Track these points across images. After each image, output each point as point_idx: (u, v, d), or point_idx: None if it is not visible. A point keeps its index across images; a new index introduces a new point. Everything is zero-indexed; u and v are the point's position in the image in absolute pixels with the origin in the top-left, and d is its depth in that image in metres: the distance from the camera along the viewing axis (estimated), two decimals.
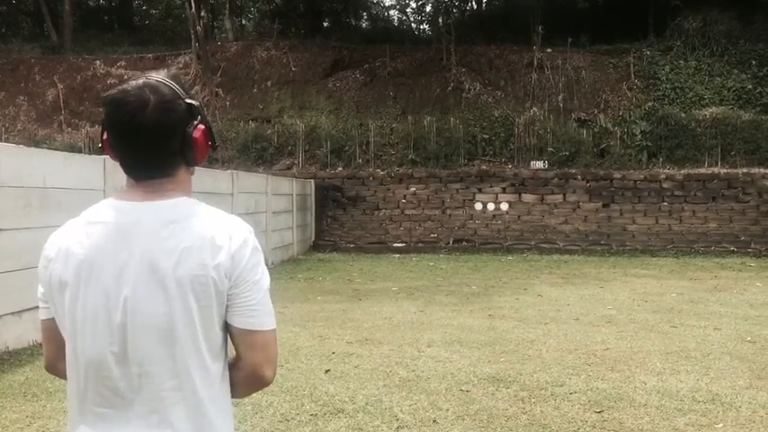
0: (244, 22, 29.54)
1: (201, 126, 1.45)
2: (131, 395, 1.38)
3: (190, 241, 1.37)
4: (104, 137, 1.46)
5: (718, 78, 17.81)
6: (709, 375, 5.31)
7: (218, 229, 1.41)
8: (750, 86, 17.45)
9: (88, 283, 1.38)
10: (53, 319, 1.47)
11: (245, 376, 1.47)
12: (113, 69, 20.91)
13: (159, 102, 1.39)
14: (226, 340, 1.46)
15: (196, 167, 1.53)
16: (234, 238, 1.41)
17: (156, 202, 1.41)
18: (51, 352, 1.53)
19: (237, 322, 1.43)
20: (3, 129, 19.38)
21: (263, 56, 20.86)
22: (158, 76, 1.43)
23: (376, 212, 16.32)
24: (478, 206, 15.90)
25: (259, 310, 1.44)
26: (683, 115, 16.83)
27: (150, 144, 1.40)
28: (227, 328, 1.45)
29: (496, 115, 17.82)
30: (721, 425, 4.22)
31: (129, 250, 1.37)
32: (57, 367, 1.53)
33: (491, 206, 15.80)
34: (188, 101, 1.45)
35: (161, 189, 1.43)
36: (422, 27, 28.78)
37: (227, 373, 1.49)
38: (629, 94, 18.06)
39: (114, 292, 1.37)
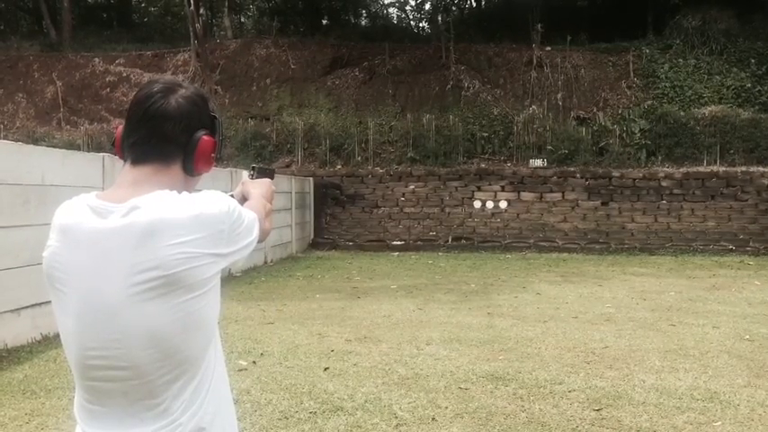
0: (243, 19, 29.53)
1: (213, 138, 1.52)
2: (121, 395, 1.37)
3: (164, 239, 1.33)
4: (120, 127, 1.50)
5: (717, 77, 17.81)
6: (707, 373, 5.32)
7: (184, 217, 1.36)
8: (749, 85, 17.45)
9: (69, 285, 1.37)
10: None
11: None
12: (112, 67, 20.91)
13: (191, 94, 1.50)
14: (214, 324, 1.46)
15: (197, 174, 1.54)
16: (202, 218, 1.38)
17: (136, 198, 1.37)
18: None
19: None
20: (1, 126, 19.36)
21: (262, 53, 20.85)
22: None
23: (375, 210, 16.32)
24: (477, 204, 15.90)
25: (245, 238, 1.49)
26: (681, 114, 16.84)
27: (164, 125, 1.44)
28: (215, 316, 1.45)
29: (495, 113, 17.82)
30: (720, 423, 4.23)
31: (107, 252, 1.34)
32: None
33: (490, 204, 15.80)
34: (213, 114, 1.55)
35: (149, 181, 1.42)
36: (421, 25, 28.79)
37: (221, 359, 1.50)
38: (629, 93, 18.07)
39: (96, 296, 1.35)
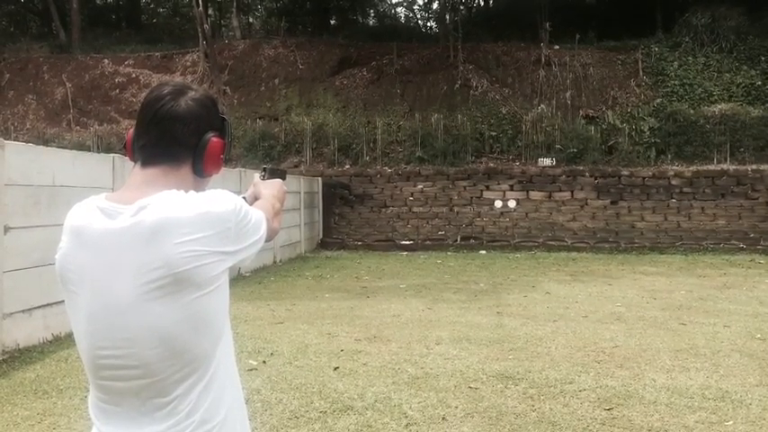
0: (251, 20, 29.58)
1: (222, 140, 1.53)
2: (133, 393, 1.38)
3: (171, 237, 1.33)
4: (131, 130, 1.52)
5: (727, 74, 17.72)
6: (718, 373, 5.29)
7: (190, 215, 1.36)
8: (759, 82, 17.36)
9: (80, 285, 1.39)
10: None
11: None
12: (121, 68, 21.01)
13: (201, 96, 1.52)
14: (223, 322, 1.46)
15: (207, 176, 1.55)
16: (208, 216, 1.38)
17: (144, 198, 1.37)
18: None
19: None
20: (12, 127, 19.49)
21: (270, 54, 20.90)
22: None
23: (383, 210, 16.32)
24: (486, 203, 15.88)
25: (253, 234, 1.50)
26: (691, 112, 16.77)
27: (174, 126, 1.45)
28: (224, 313, 1.46)
29: (504, 112, 17.79)
30: (731, 422, 4.20)
31: (116, 253, 1.35)
32: None
33: (499, 203, 15.78)
34: (222, 116, 1.58)
35: (158, 182, 1.42)
36: (429, 24, 28.80)
37: (232, 357, 1.51)
38: (638, 91, 18.00)
39: (106, 296, 1.36)
